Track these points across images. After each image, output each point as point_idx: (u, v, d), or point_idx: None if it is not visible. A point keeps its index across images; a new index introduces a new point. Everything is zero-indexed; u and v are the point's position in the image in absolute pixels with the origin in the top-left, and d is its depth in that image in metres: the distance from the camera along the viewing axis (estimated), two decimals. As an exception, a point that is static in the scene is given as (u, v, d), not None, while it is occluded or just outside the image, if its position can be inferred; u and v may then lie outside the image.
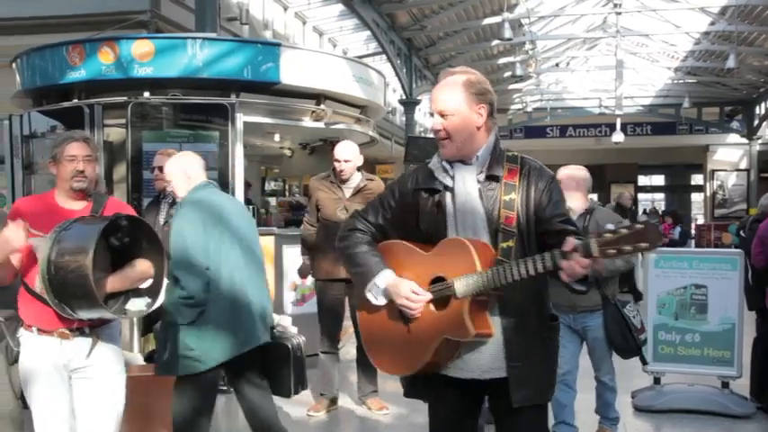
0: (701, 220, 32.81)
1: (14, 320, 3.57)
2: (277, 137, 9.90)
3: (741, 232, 9.29)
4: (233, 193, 7.72)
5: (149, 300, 3.49)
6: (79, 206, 3.56)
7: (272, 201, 13.52)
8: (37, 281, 3.26)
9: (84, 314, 3.24)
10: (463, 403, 2.97)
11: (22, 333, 3.49)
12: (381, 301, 2.88)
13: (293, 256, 7.91)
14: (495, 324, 2.77)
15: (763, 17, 20.16)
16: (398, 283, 2.80)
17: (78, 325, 3.40)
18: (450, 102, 2.81)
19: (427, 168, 2.95)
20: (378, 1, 17.82)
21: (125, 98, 7.68)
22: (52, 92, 8.43)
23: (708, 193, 32.39)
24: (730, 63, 21.89)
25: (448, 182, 2.87)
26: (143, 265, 3.55)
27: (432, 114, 2.92)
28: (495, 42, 21.76)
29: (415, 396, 3.08)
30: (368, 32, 19.38)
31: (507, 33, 19.18)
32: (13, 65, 8.99)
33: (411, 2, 18.59)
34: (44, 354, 3.42)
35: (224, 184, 7.68)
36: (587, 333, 5.22)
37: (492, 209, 2.79)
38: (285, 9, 19.26)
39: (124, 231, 3.43)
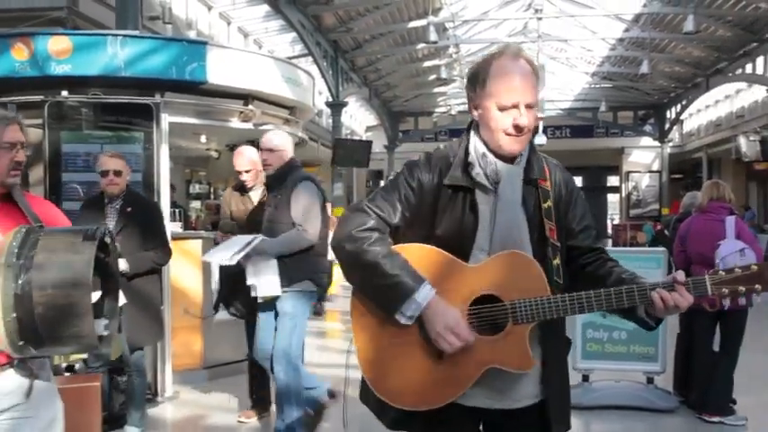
0: (617, 220, 33.68)
1: None
2: (203, 138, 9.75)
3: (666, 231, 9.51)
4: (158, 197, 7.60)
5: (107, 321, 2.76)
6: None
7: (197, 204, 13.32)
8: None
9: (60, 352, 2.77)
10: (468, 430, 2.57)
11: None
12: (409, 322, 2.36)
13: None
14: (533, 345, 2.43)
15: (673, 25, 20.75)
16: (445, 311, 2.32)
17: (11, 358, 2.64)
18: (537, 94, 2.47)
19: (466, 161, 2.47)
20: (303, 2, 17.75)
21: (41, 97, 7.43)
22: None
23: (623, 194, 33.32)
24: (644, 69, 22.81)
25: (485, 182, 2.45)
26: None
27: (513, 107, 2.38)
28: (421, 45, 21.98)
29: (400, 429, 2.55)
30: (294, 34, 19.36)
31: (432, 36, 19.38)
32: None
33: (337, 3, 18.58)
34: None
35: (148, 186, 7.52)
36: None
37: (534, 218, 2.47)
38: (209, 9, 19.09)
39: (104, 249, 2.69)
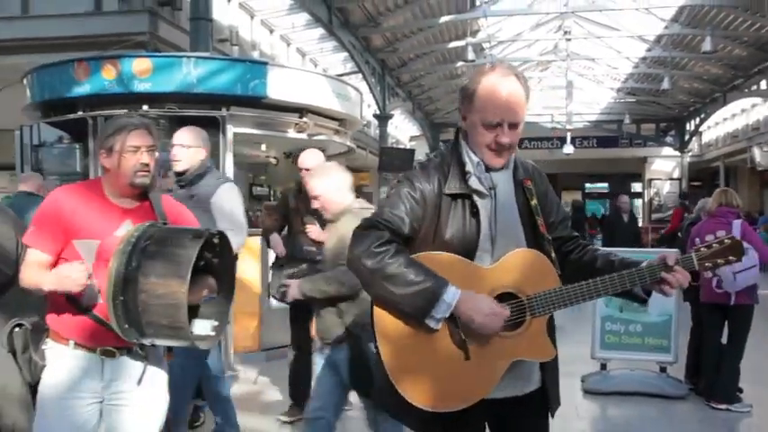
0: (640, 224, 33.17)
1: (39, 330, 2.76)
2: (263, 146, 9.84)
3: (679, 234, 9.48)
4: None
5: (216, 323, 2.70)
6: (133, 204, 2.77)
7: (258, 205, 13.45)
8: (107, 303, 2.46)
9: (159, 342, 2.59)
10: (480, 420, 2.44)
11: (51, 346, 2.67)
12: (438, 324, 2.23)
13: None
14: None
15: (692, 45, 20.46)
16: (476, 299, 2.22)
17: (127, 343, 2.60)
18: (522, 113, 2.37)
19: (456, 170, 2.39)
20: (354, 25, 17.85)
21: (125, 111, 7.51)
22: (59, 105, 8.33)
23: (646, 200, 32.79)
24: (665, 85, 22.45)
25: (481, 188, 2.37)
26: (211, 282, 2.78)
27: (497, 125, 2.32)
28: (460, 64, 21.88)
29: (423, 429, 2.44)
30: (346, 53, 19.38)
31: (470, 56, 19.33)
32: (24, 80, 8.87)
33: (385, 27, 18.63)
34: (78, 372, 2.62)
35: None
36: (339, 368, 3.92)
37: (527, 215, 2.43)
38: (271, 32, 19.22)
39: (211, 249, 2.66)
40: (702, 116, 28.68)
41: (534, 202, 2.42)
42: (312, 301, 3.99)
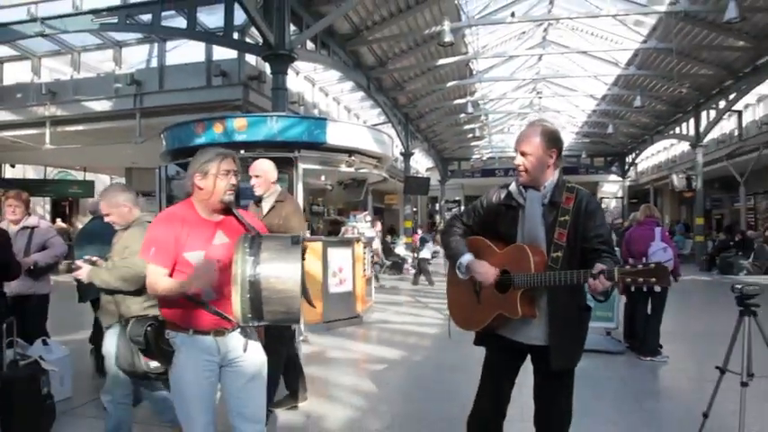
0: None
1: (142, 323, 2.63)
2: (323, 177, 10.02)
3: (614, 236, 9.51)
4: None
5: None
6: (219, 218, 2.62)
7: (317, 219, 13.59)
8: (234, 300, 2.32)
9: (271, 323, 2.46)
10: (511, 356, 2.67)
11: (175, 335, 2.54)
12: (464, 277, 2.64)
13: (334, 254, 8.05)
14: (542, 306, 2.51)
15: (628, 101, 20.39)
16: (480, 263, 2.58)
17: (232, 324, 2.53)
18: (530, 145, 2.54)
19: (507, 189, 2.66)
20: (385, 90, 17.99)
21: None
22: (183, 151, 8.53)
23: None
24: (609, 129, 22.58)
25: (521, 201, 2.60)
26: None
27: (516, 151, 2.60)
28: (462, 115, 21.90)
29: (480, 344, 2.75)
30: (379, 109, 19.53)
31: (470, 109, 19.35)
32: (161, 135, 9.12)
33: (407, 90, 18.75)
34: (200, 351, 2.52)
35: None
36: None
37: (550, 226, 2.50)
38: (326, 95, 19.44)
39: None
40: (637, 152, 28.59)
41: (565, 218, 2.48)
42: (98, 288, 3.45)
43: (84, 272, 3.32)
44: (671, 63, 15.65)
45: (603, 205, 31.82)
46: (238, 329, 2.57)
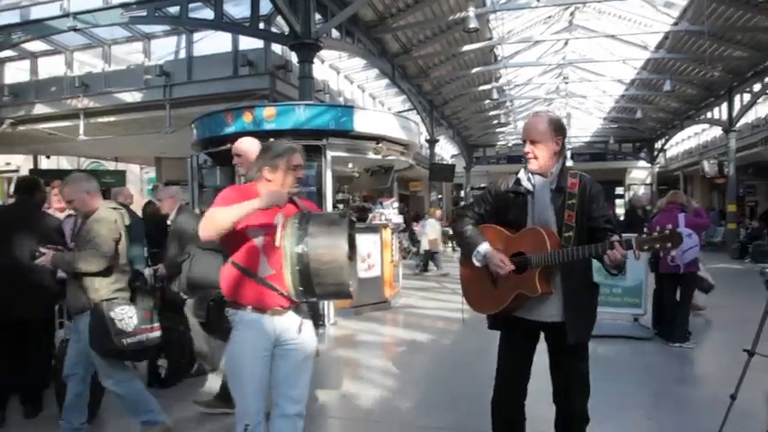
0: (622, 218, 32.39)
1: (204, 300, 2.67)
2: (350, 165, 10.07)
3: (645, 225, 9.43)
4: (323, 202, 7.83)
5: (353, 283, 2.55)
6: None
7: (341, 206, 13.70)
8: (285, 273, 2.39)
9: (323, 299, 2.44)
10: (526, 337, 2.77)
11: (233, 312, 2.61)
12: (480, 264, 2.71)
13: (362, 240, 8.15)
14: (557, 284, 2.61)
15: (657, 86, 20.01)
16: (494, 254, 2.65)
17: (289, 304, 2.60)
18: (539, 133, 2.66)
19: (515, 177, 2.76)
20: (410, 77, 17.97)
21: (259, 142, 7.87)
22: (214, 141, 8.64)
23: (626, 200, 32.09)
24: (638, 115, 22.05)
25: (530, 188, 2.69)
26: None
27: (524, 141, 2.72)
28: (486, 101, 21.82)
29: (495, 329, 2.84)
30: (404, 96, 19.50)
31: (495, 95, 19.27)
32: (192, 125, 9.28)
33: (432, 77, 18.69)
34: (257, 329, 2.58)
35: (319, 194, 7.82)
36: (82, 333, 3.45)
37: (559, 209, 2.63)
38: (351, 82, 19.48)
39: (351, 226, 2.58)
40: (667, 138, 28.02)
41: (572, 201, 2.61)
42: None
43: (47, 258, 3.42)
44: (702, 45, 15.30)
45: (632, 192, 31.41)
46: (293, 309, 2.63)
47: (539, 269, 2.57)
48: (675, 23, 15.30)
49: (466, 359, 5.79)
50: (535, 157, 2.68)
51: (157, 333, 3.54)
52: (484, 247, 2.69)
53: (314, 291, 2.39)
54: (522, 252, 2.64)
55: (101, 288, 3.37)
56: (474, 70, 18.68)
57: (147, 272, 4.58)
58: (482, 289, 2.79)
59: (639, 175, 32.01)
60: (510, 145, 30.93)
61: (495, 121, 25.32)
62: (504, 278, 2.67)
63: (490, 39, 16.41)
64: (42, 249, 3.46)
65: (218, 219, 2.45)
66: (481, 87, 20.63)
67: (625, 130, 29.06)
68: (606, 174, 31.77)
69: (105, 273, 3.37)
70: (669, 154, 31.23)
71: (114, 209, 3.55)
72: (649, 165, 30.23)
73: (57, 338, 4.35)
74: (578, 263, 2.55)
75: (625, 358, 5.80)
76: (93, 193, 3.54)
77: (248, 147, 3.90)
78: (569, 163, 16.43)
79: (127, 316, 3.37)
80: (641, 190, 31.67)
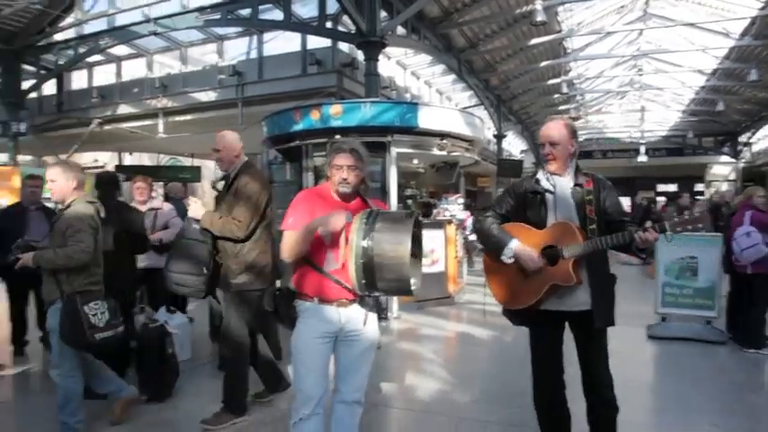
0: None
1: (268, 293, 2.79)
2: (415, 161, 10.13)
3: (719, 222, 9.05)
4: (389, 198, 7.91)
5: (415, 280, 2.60)
6: (350, 201, 2.81)
7: (409, 201, 13.80)
8: (349, 266, 2.47)
9: (385, 293, 2.54)
10: (555, 328, 2.89)
11: (301, 303, 2.73)
12: (511, 260, 2.82)
13: (426, 235, 8.21)
14: (583, 274, 2.77)
15: (741, 75, 18.87)
16: (526, 250, 2.77)
17: (354, 296, 2.69)
18: (558, 136, 2.85)
19: (532, 178, 2.92)
20: (477, 71, 17.85)
21: (325, 139, 7.99)
22: (283, 137, 8.86)
23: (706, 197, 30.47)
24: (720, 107, 20.81)
25: (549, 187, 2.86)
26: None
27: (543, 144, 2.90)
28: (556, 95, 21.33)
29: (522, 324, 2.96)
30: (471, 92, 19.39)
31: (565, 89, 18.82)
32: (262, 122, 9.59)
33: (499, 71, 18.49)
34: (322, 319, 2.69)
35: (384, 190, 7.95)
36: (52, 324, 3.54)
37: (580, 204, 2.81)
38: (418, 78, 19.55)
39: (417, 225, 2.62)
40: (753, 130, 26.43)
41: (590, 197, 2.81)
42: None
43: (27, 257, 3.47)
44: (794, 31, 14.36)
45: (714, 189, 29.82)
46: (358, 302, 2.74)
47: (572, 260, 2.71)
48: (763, 7, 14.42)
49: (526, 356, 5.78)
50: (554, 158, 2.86)
51: (121, 328, 3.63)
52: (514, 243, 2.81)
53: (376, 285, 2.47)
54: (551, 246, 2.78)
55: (74, 281, 3.44)
56: (542, 64, 18.33)
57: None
58: (512, 284, 2.90)
59: (722, 170, 30.26)
60: (581, 140, 30.00)
61: (566, 116, 24.59)
62: (535, 271, 2.79)
63: (559, 31, 16.05)
64: (20, 255, 3.51)
65: (291, 247, 2.68)
66: (550, 81, 20.21)
67: (705, 124, 27.57)
68: (684, 169, 30.39)
69: (81, 266, 3.44)
70: (755, 148, 29.37)
71: (91, 203, 3.62)
72: (733, 160, 28.56)
73: (137, 323, 4.68)
74: (600, 254, 2.75)
75: (695, 361, 5.62)
76: (78, 184, 3.58)
77: (229, 139, 3.92)
78: (643, 158, 16.09)
79: (99, 311, 3.48)
80: (724, 186, 30.00)
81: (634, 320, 6.88)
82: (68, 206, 3.53)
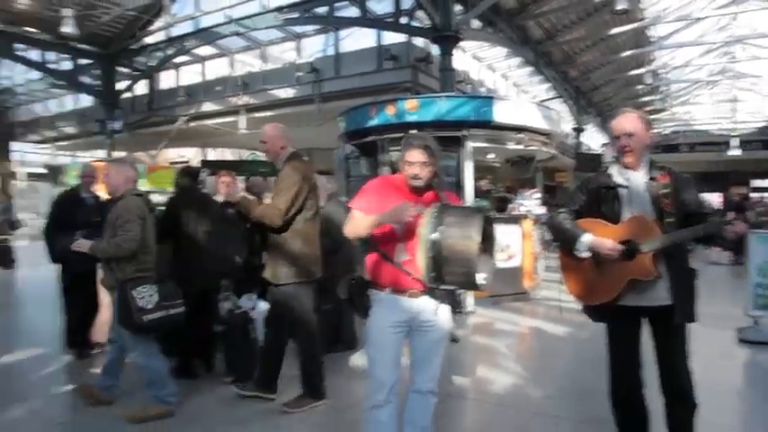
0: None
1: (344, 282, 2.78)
2: (491, 155, 10.07)
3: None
4: (463, 193, 7.92)
5: (485, 275, 2.60)
6: (422, 192, 2.81)
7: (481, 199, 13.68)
8: (418, 258, 2.50)
9: (452, 287, 2.57)
10: (634, 323, 2.82)
11: (374, 292, 2.78)
12: (586, 255, 2.76)
13: (501, 230, 8.13)
14: (662, 269, 2.70)
15: None
16: (603, 241, 2.72)
17: (426, 287, 2.68)
18: (633, 127, 2.79)
19: (604, 173, 2.89)
20: (555, 63, 17.44)
21: (401, 134, 7.81)
22: (359, 133, 9.03)
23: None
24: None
25: (623, 181, 2.81)
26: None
27: (617, 137, 2.83)
28: (640, 86, 20.48)
29: (599, 320, 2.91)
30: (549, 84, 18.98)
31: (648, 80, 18.05)
32: (338, 118, 9.82)
33: (578, 62, 17.98)
34: (396, 309, 2.73)
35: (458, 186, 7.95)
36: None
37: (655, 198, 2.74)
38: (493, 71, 19.34)
39: (486, 221, 2.60)
40: None
41: (666, 190, 2.74)
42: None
43: (85, 243, 3.78)
44: None
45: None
46: (429, 293, 2.74)
47: (651, 253, 2.65)
48: None
49: (601, 354, 5.66)
50: (631, 150, 2.79)
51: (180, 309, 3.80)
52: (587, 236, 2.76)
53: (443, 277, 2.49)
54: (627, 240, 2.71)
55: (126, 268, 3.69)
56: (624, 54, 17.64)
57: None
58: (588, 279, 2.85)
59: (823, 164, 27.99)
60: (667, 133, 28.66)
61: (650, 108, 23.60)
62: (612, 267, 2.74)
63: (642, 20, 15.39)
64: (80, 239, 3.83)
65: (357, 227, 2.79)
66: (633, 72, 19.45)
67: (807, 114, 25.62)
68: (784, 163, 28.31)
69: (130, 255, 3.69)
70: None
71: (138, 195, 3.88)
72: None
73: (222, 309, 4.95)
74: (679, 247, 2.70)
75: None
76: (132, 179, 3.88)
77: (274, 132, 4.02)
78: (737, 152, 15.22)
79: (148, 294, 3.65)
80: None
81: (722, 323, 6.54)
82: (119, 198, 3.81)
